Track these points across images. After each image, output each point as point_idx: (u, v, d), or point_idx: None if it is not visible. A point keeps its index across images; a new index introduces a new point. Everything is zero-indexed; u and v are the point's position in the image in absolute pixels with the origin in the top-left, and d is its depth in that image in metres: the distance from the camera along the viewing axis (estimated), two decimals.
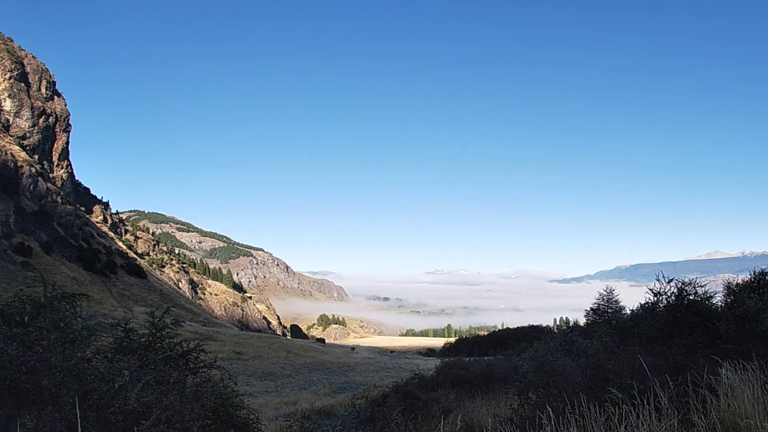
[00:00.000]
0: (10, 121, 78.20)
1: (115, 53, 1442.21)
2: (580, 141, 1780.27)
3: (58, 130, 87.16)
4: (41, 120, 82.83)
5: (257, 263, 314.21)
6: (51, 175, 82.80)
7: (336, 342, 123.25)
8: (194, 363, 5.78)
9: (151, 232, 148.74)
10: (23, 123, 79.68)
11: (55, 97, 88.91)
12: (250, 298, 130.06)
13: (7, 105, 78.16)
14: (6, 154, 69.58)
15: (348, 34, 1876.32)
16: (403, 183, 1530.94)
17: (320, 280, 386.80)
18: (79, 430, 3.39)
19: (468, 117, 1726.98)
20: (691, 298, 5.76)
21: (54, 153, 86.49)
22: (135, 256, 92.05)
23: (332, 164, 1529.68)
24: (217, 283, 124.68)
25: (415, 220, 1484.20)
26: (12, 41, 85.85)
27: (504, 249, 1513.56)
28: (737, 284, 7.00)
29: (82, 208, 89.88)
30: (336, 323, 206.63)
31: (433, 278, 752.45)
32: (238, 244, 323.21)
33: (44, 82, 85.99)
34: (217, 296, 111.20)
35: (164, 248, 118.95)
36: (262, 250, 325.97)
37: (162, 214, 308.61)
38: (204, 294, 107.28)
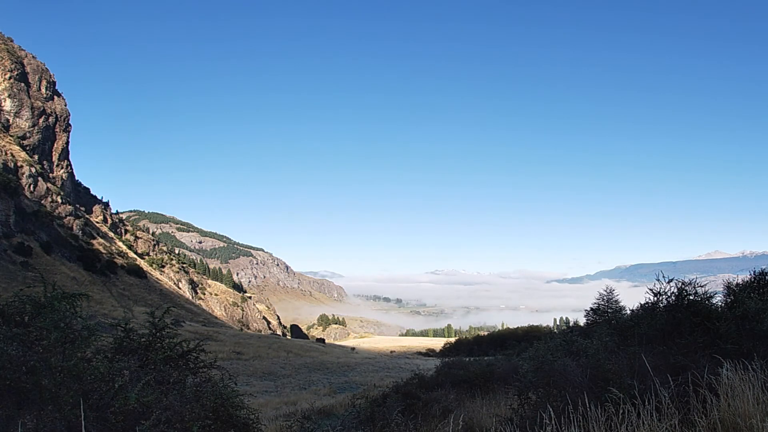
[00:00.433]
0: (10, 121, 78.25)
1: (115, 53, 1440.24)
2: (580, 141, 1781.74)
3: (58, 130, 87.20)
4: (41, 120, 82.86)
5: (257, 263, 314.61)
6: (51, 175, 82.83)
7: (336, 342, 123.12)
8: (194, 363, 5.78)
9: (151, 232, 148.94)
10: (23, 123, 79.72)
11: (55, 97, 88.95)
12: (250, 298, 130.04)
13: (7, 105, 78.21)
14: (6, 154, 69.62)
15: (348, 34, 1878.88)
16: (403, 183, 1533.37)
17: (320, 280, 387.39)
18: (83, 430, 3.39)
19: (468, 117, 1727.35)
20: (691, 298, 5.75)
21: (54, 153, 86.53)
22: (135, 256, 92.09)
23: (332, 164, 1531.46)
24: (217, 283, 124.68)
25: (416, 220, 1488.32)
26: (12, 41, 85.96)
27: (504, 249, 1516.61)
28: (737, 284, 6.99)
29: (82, 208, 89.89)
30: (336, 323, 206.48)
31: (433, 278, 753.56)
32: (238, 244, 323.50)
33: (44, 82, 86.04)
34: (217, 296, 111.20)
35: (164, 248, 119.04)
36: (262, 250, 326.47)
37: (162, 214, 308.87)
38: (204, 294, 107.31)
